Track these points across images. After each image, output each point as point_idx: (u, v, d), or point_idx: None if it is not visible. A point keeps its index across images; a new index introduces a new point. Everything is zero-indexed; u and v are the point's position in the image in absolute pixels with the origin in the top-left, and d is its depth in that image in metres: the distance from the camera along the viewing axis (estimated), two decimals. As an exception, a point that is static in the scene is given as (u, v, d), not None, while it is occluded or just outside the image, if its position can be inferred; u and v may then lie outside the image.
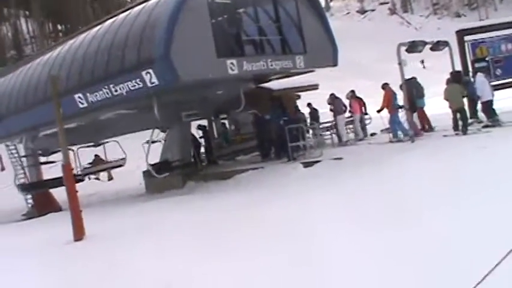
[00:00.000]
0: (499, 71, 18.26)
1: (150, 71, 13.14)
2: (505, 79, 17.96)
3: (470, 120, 16.07)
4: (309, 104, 19.82)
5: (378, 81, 18.68)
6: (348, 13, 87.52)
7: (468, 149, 11.73)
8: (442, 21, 66.62)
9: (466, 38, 18.31)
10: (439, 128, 16.51)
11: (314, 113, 19.45)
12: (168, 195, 15.39)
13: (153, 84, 13.25)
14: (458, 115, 15.21)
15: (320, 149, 15.65)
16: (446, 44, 17.39)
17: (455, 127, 15.27)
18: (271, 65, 15.24)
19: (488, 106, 15.66)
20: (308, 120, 18.92)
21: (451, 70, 17.39)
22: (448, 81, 16.28)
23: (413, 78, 16.88)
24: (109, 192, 21.74)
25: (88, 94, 15.16)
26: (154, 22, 13.44)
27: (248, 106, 17.32)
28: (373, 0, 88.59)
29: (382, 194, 8.84)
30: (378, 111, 17.27)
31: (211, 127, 20.69)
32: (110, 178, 25.46)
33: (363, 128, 19.08)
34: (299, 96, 20.81)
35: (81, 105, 15.51)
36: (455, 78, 16.55)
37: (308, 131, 17.35)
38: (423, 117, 17.10)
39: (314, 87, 20.62)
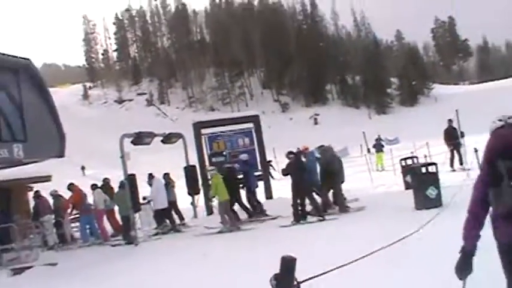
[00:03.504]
0: (237, 165, 18.20)
1: None
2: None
3: None
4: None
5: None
6: (105, 102, 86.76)
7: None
8: (197, 114, 69.41)
9: (204, 131, 18.17)
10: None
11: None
12: None
13: None
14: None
15: (36, 251, 13.57)
16: (179, 136, 17.03)
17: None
18: (-20, 154, 12.99)
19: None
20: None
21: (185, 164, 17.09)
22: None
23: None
24: None
25: None
26: None
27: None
28: (131, 91, 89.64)
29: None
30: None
31: None
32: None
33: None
34: (31, 188, 18.46)
35: None
36: None
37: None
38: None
39: (46, 178, 18.62)
